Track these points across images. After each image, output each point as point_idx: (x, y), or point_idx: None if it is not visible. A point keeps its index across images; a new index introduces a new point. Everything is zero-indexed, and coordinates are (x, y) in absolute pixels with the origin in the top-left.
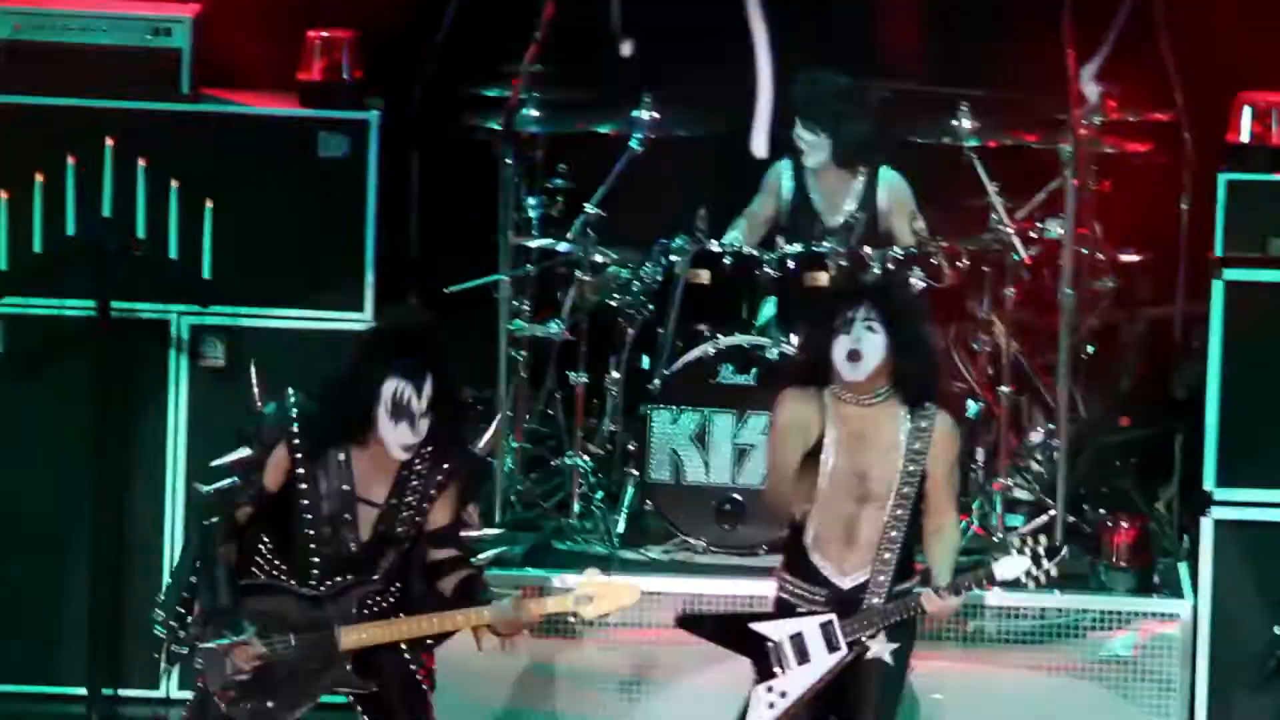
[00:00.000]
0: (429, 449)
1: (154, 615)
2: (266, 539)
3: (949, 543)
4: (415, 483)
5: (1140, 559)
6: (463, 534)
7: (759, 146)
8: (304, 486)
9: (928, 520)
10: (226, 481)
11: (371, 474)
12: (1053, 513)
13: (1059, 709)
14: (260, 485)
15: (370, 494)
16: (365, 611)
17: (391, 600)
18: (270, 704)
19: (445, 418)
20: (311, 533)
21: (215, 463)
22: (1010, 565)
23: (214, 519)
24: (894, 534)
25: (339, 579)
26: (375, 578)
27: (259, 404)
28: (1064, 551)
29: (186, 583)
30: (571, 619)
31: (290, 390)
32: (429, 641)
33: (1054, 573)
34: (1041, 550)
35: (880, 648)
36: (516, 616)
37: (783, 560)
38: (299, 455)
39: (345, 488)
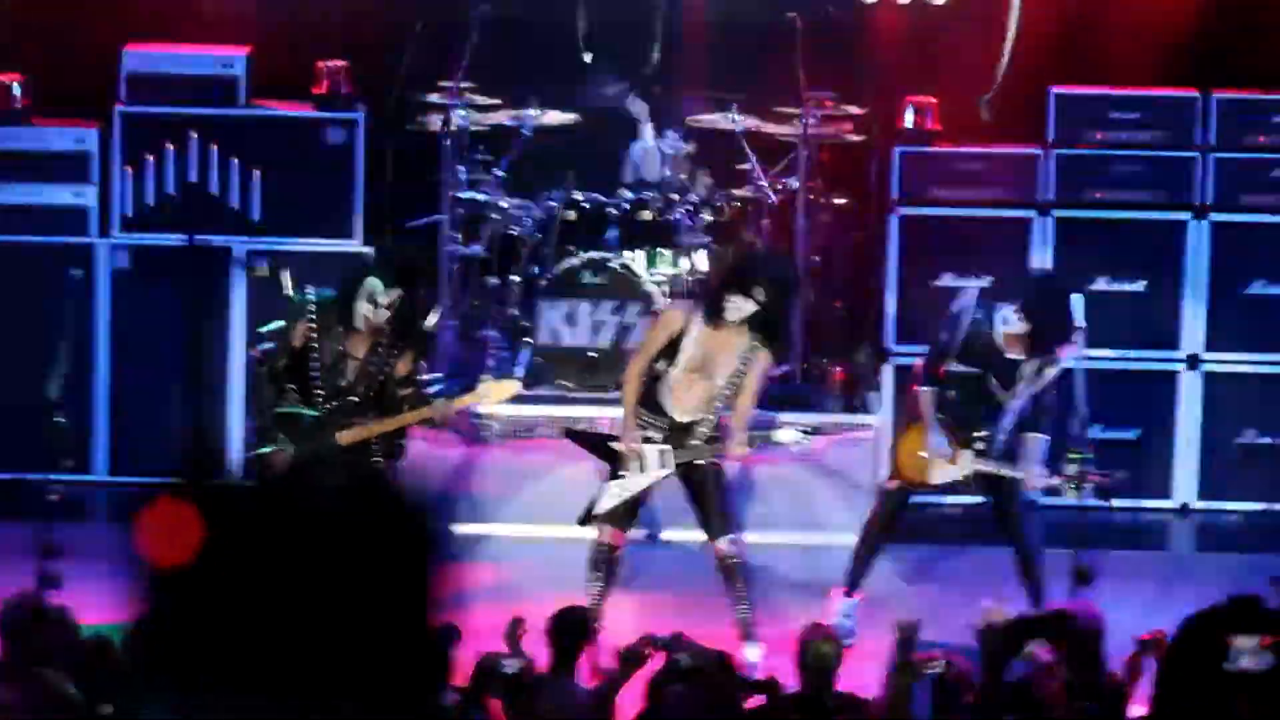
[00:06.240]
0: (391, 329)
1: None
2: (292, 385)
3: (746, 415)
4: (380, 348)
5: (848, 391)
6: (417, 377)
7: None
8: (315, 347)
9: (738, 398)
10: (268, 345)
11: (358, 341)
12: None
13: (791, 489)
14: (290, 344)
15: (355, 352)
16: (353, 423)
17: (370, 417)
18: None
19: (402, 310)
20: (317, 375)
21: (262, 330)
22: (785, 434)
23: (262, 368)
24: (718, 404)
25: (335, 403)
26: (356, 400)
27: (289, 295)
28: (819, 429)
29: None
30: (479, 412)
31: (308, 288)
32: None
33: (812, 443)
34: (809, 428)
35: (706, 462)
36: (446, 409)
37: (642, 400)
38: (311, 327)
39: (339, 347)
